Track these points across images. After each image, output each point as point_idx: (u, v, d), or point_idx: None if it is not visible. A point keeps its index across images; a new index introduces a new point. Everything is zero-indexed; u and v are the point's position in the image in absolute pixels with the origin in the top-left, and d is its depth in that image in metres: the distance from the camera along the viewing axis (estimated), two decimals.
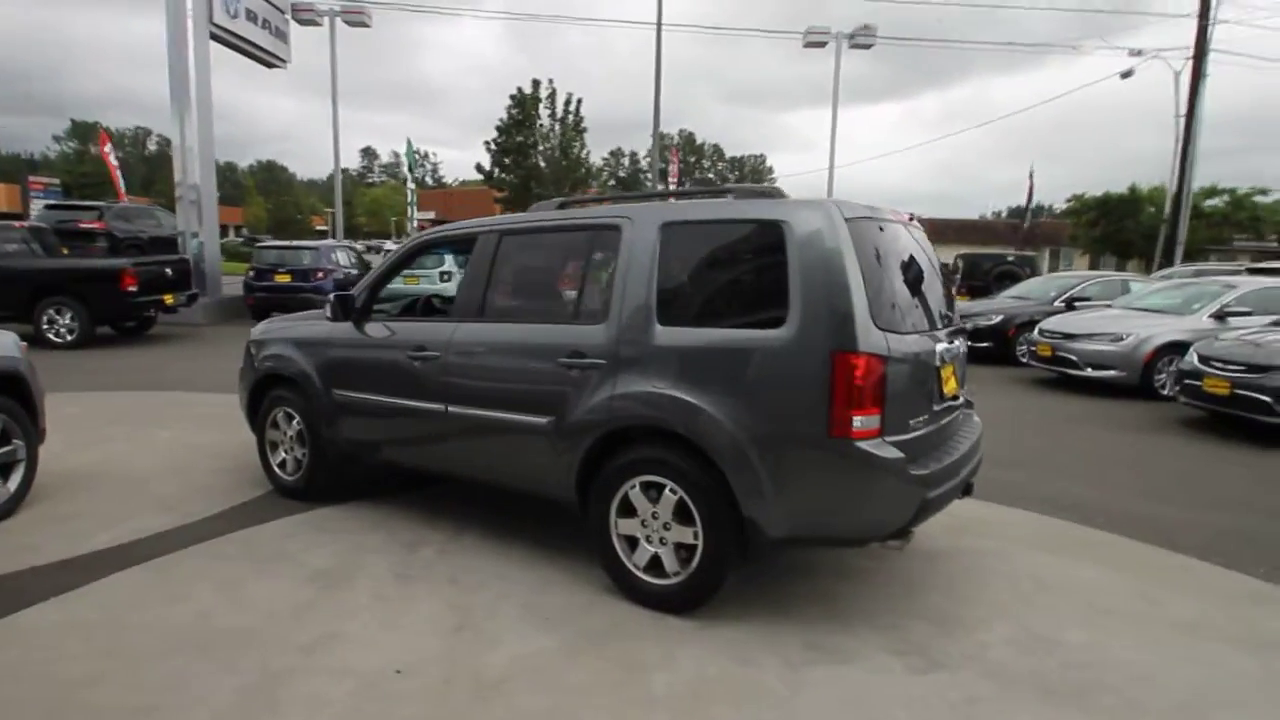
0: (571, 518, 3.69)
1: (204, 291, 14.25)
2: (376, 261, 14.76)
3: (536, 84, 33.44)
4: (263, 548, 4.01)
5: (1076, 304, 11.73)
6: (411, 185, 23.60)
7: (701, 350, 3.17)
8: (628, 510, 3.38)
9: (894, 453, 2.92)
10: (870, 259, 3.06)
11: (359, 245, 21.59)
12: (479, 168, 35.06)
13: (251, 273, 14.75)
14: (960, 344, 3.71)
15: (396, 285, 4.99)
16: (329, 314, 4.45)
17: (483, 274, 3.94)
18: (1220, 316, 9.07)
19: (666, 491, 3.24)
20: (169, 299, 11.89)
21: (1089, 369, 9.24)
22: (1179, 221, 20.31)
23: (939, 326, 3.51)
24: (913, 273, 3.39)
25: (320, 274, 14.60)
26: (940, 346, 3.37)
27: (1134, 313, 9.96)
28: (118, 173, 22.98)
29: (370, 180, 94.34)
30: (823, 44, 23.28)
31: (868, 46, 23.24)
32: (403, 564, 3.82)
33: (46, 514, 4.42)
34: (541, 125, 33.69)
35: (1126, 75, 21.23)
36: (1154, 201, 28.07)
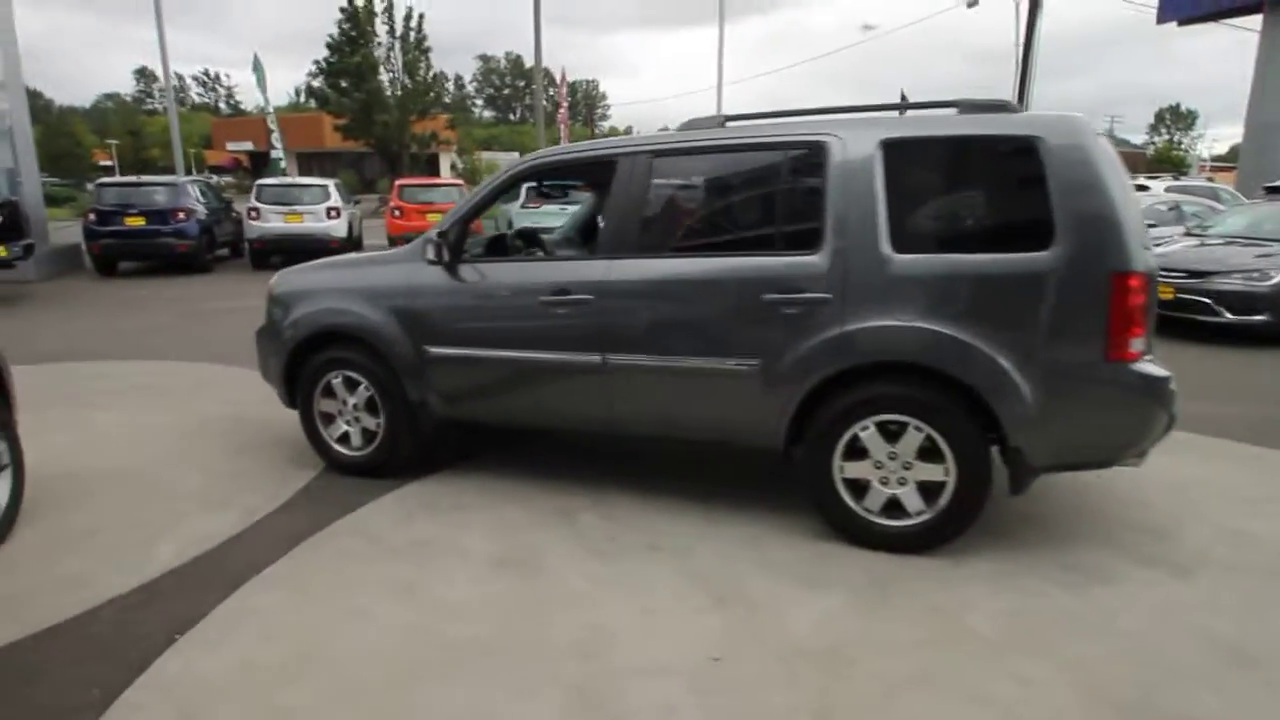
0: (709, 459, 3.41)
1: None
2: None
3: None
4: (390, 538, 3.38)
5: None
6: (271, 110, 20.34)
7: (953, 278, 2.96)
8: (854, 453, 3.17)
9: (1163, 371, 2.92)
10: (1120, 174, 2.97)
11: (216, 179, 18.70)
12: (311, 90, 31.47)
13: (93, 216, 12.29)
14: None
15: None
16: (429, 255, 3.71)
17: (635, 203, 3.43)
18: None
19: (910, 430, 3.05)
20: (1, 251, 9.67)
21: (1227, 313, 7.49)
22: None
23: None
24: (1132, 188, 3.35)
25: (181, 215, 12.48)
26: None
27: (1247, 244, 8.22)
28: None
29: (150, 107, 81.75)
30: None
31: None
32: (578, 536, 3.38)
33: (58, 531, 3.46)
34: (379, 42, 30.61)
35: (973, 4, 22.64)
36: None
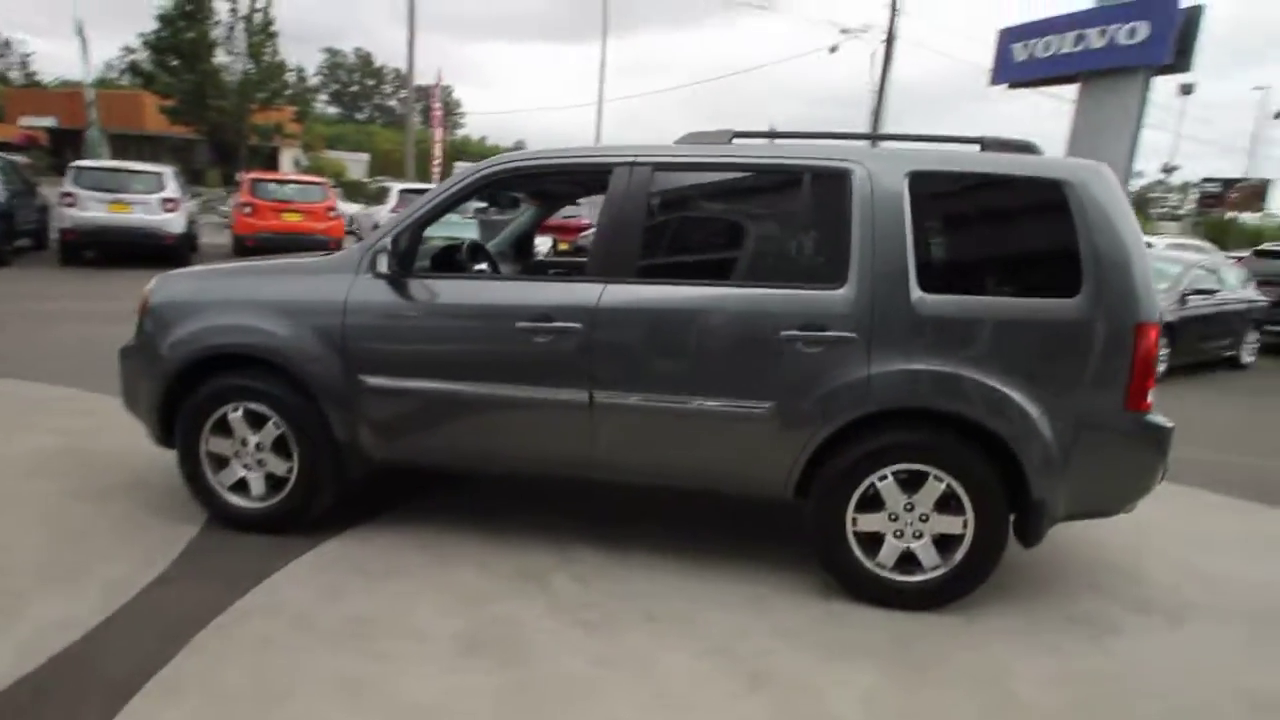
0: (676, 503, 3.10)
1: None
2: None
3: None
4: (320, 617, 2.72)
5: None
6: (89, 82, 17.17)
7: (980, 322, 2.81)
8: (867, 504, 2.93)
9: (1169, 422, 2.91)
10: (1135, 223, 2.96)
11: (19, 159, 15.75)
12: (134, 67, 27.96)
13: None
14: None
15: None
16: (377, 266, 3.07)
17: (634, 220, 3.02)
18: None
19: (930, 480, 2.86)
20: None
21: None
22: None
23: None
24: None
25: None
26: None
27: None
28: None
29: None
30: None
31: None
32: (555, 606, 2.88)
33: None
34: (219, 20, 27.73)
35: (834, 50, 24.11)
36: None
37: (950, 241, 2.97)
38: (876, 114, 23.20)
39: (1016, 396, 2.76)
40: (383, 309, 3.13)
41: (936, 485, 2.86)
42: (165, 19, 26.63)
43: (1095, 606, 3.11)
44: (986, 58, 20.91)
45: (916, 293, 2.81)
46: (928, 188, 2.88)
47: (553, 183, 3.94)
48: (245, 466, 3.33)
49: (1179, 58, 17.43)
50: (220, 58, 28.43)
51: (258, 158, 31.13)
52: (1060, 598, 3.17)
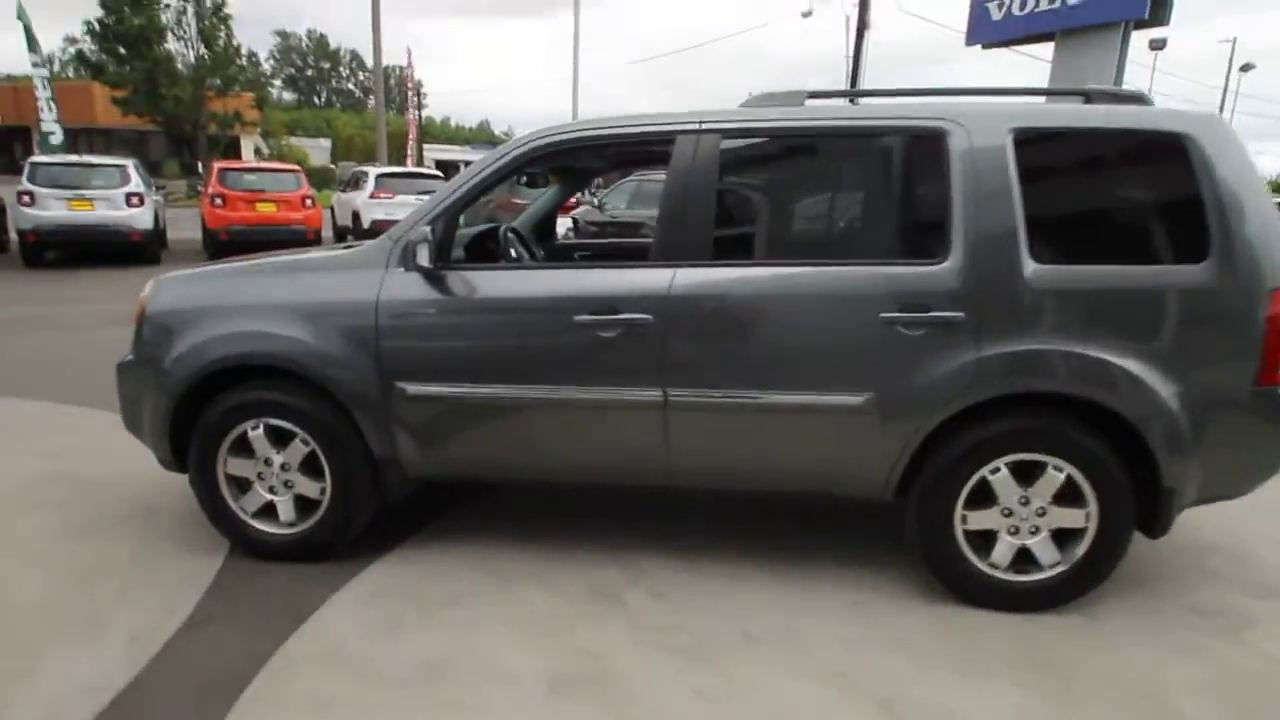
0: (733, 503, 2.82)
1: None
2: None
3: None
4: (381, 661, 2.39)
5: None
6: (44, 72, 15.96)
7: (1102, 294, 2.53)
8: (979, 499, 2.67)
9: None
10: (1261, 181, 2.68)
11: None
12: (81, 57, 26.70)
13: None
14: None
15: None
16: (417, 258, 2.70)
17: (704, 195, 2.68)
18: None
19: (1049, 470, 2.60)
20: None
21: None
22: None
23: None
24: None
25: None
26: None
27: None
28: None
29: None
30: None
31: None
32: (639, 629, 2.58)
33: None
34: (168, 4, 26.50)
35: (807, 15, 23.61)
36: None
37: (1062, 206, 2.67)
38: (853, 80, 22.83)
39: (1142, 374, 2.50)
40: (422, 307, 2.77)
41: (1056, 476, 2.59)
42: (110, 6, 25.36)
43: (1215, 595, 2.88)
44: (959, 19, 20.66)
45: (1028, 264, 2.52)
46: (1035, 146, 2.58)
47: (601, 156, 3.58)
48: (271, 489, 2.97)
49: (1156, 10, 17.33)
50: (171, 44, 27.30)
51: (217, 147, 30.04)
52: (1173, 586, 2.94)
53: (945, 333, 2.55)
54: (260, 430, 2.91)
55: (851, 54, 23.00)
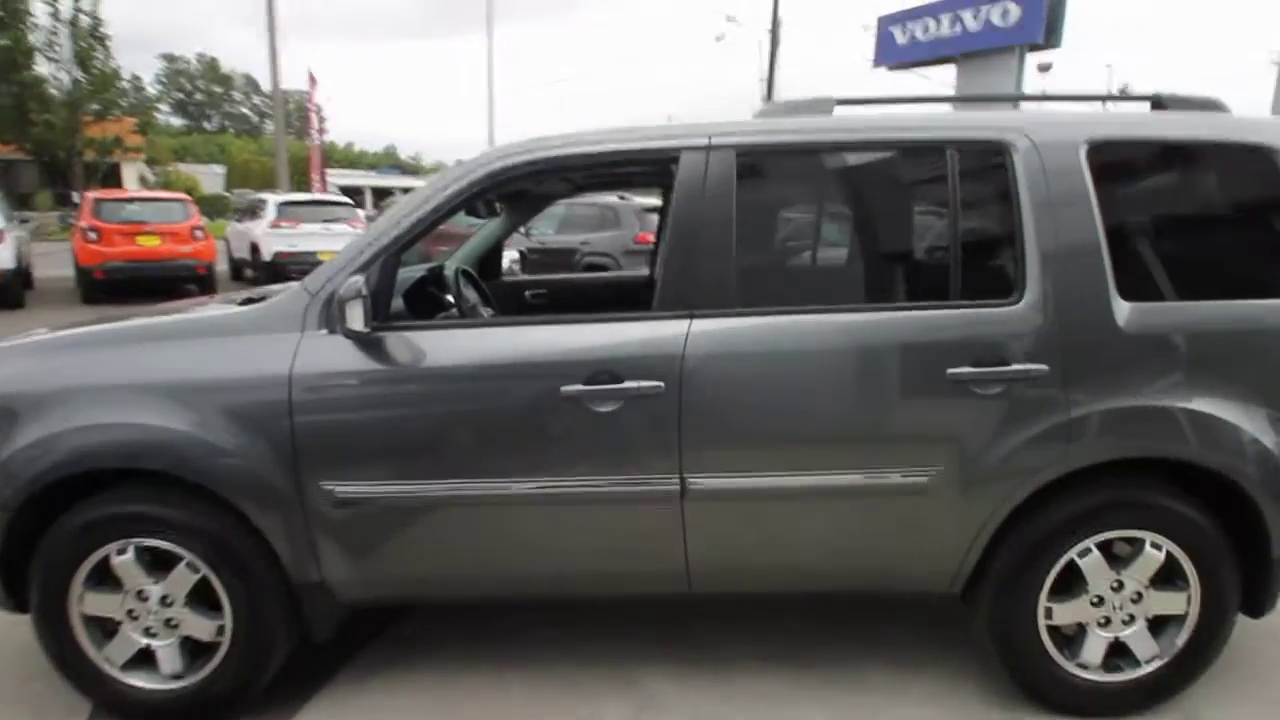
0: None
1: None
2: None
3: None
4: None
5: None
6: None
7: (1204, 336, 2.11)
8: (1065, 588, 2.19)
9: None
10: None
11: None
12: None
13: None
14: None
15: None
16: (331, 319, 2.02)
17: (719, 226, 2.11)
18: None
19: (1147, 548, 2.14)
20: None
21: None
22: None
23: None
24: None
25: None
26: None
27: None
28: None
29: None
30: None
31: None
32: None
33: None
34: (37, 23, 24.30)
35: (720, 39, 23.78)
36: None
37: (1149, 231, 2.24)
38: (769, 98, 23.08)
39: (1256, 431, 2.08)
40: (354, 382, 2.09)
41: (1154, 554, 2.14)
42: None
43: None
44: (865, 44, 21.38)
45: (1117, 302, 2.07)
46: (1114, 161, 2.15)
47: (580, 179, 2.97)
48: (148, 632, 2.20)
49: (1049, 35, 18.29)
50: (43, 67, 25.06)
51: (95, 176, 27.68)
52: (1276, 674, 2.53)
53: (1027, 390, 2.06)
54: (129, 554, 2.15)
55: (766, 77, 23.32)
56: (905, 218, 2.41)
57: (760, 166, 2.24)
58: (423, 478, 2.09)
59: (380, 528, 2.15)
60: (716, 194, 2.12)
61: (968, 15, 18.72)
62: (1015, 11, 17.86)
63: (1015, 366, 2.05)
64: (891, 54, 22.93)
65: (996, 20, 18.11)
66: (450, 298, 2.70)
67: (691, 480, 2.08)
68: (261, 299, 2.38)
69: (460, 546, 2.18)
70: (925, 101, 2.39)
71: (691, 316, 2.08)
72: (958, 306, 2.11)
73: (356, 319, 1.97)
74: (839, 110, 2.26)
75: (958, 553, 2.15)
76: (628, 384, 2.03)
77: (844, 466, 2.09)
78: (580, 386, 2.04)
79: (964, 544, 2.14)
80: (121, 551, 2.15)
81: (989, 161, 2.14)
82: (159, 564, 2.17)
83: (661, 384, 2.04)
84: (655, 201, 10.98)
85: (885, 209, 2.45)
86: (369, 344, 2.07)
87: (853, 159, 2.31)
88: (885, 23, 20.94)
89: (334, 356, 2.09)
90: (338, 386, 2.09)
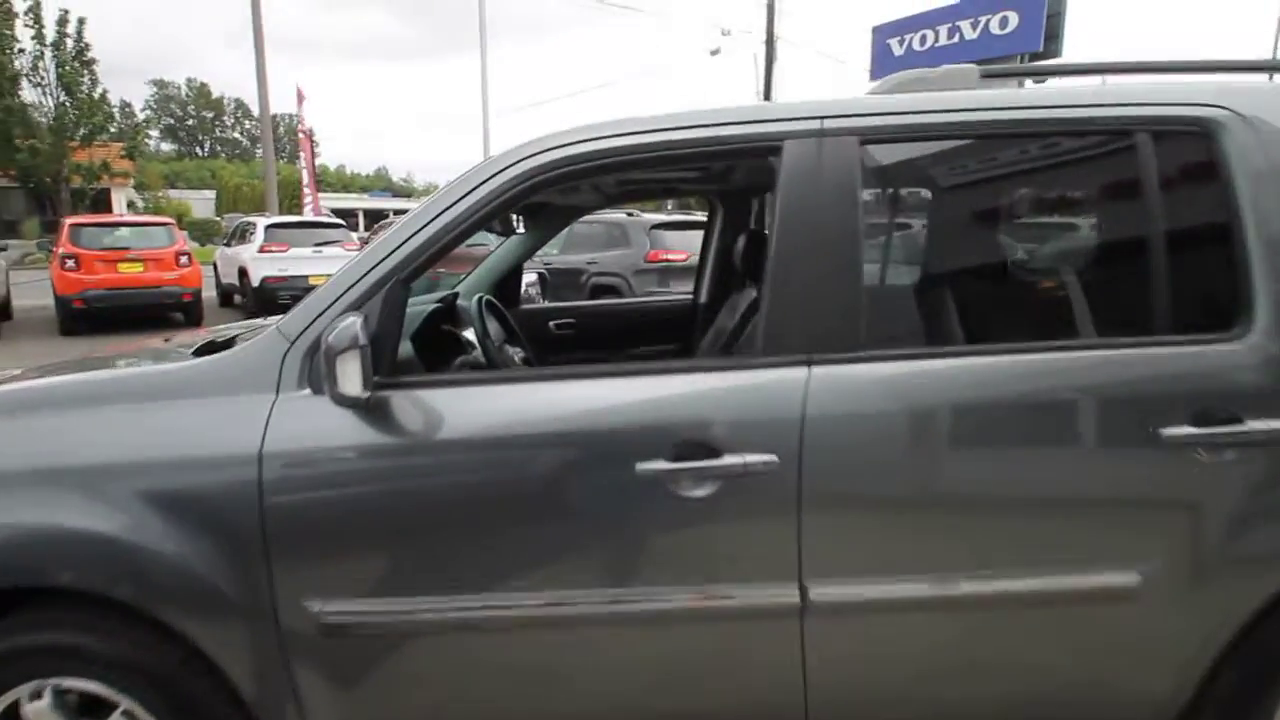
0: None
1: None
2: None
3: None
4: None
5: None
6: None
7: None
8: None
9: None
10: None
11: None
12: None
13: None
14: None
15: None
16: (317, 376, 1.47)
17: (844, 241, 1.56)
18: None
19: None
20: None
21: None
22: None
23: None
24: None
25: None
26: None
27: None
28: None
29: None
30: None
31: None
32: None
33: None
34: (22, 49, 23.92)
35: (715, 53, 23.41)
36: None
37: None
38: None
39: None
40: (348, 463, 1.53)
41: None
42: None
43: None
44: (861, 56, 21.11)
45: None
46: None
47: (644, 178, 2.40)
48: None
49: (1049, 43, 18.09)
50: (28, 92, 24.66)
51: (84, 201, 27.19)
52: None
53: (1263, 456, 1.51)
54: (45, 700, 1.57)
55: (762, 90, 23.00)
56: (1083, 220, 1.86)
57: (892, 158, 1.70)
58: (444, 593, 1.52)
59: (378, 658, 1.57)
60: (835, 195, 1.56)
61: (966, 25, 18.52)
62: (1014, 20, 17.66)
63: (1248, 425, 1.50)
64: (889, 66, 22.76)
65: (995, 29, 17.89)
66: (470, 335, 2.13)
67: (815, 589, 1.51)
68: (226, 343, 1.83)
69: (492, 682, 1.60)
70: (1093, 72, 1.84)
71: (810, 363, 1.53)
72: (1164, 344, 1.56)
73: (352, 379, 1.40)
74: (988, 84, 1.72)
75: (1172, 671, 1.59)
76: (727, 459, 1.47)
77: (1021, 566, 1.53)
78: (663, 464, 1.47)
79: (1180, 662, 1.58)
80: (36, 695, 1.57)
81: (1189, 146, 1.60)
82: (88, 710, 1.60)
83: (775, 457, 1.48)
84: (664, 218, 10.53)
85: (1060, 212, 1.90)
86: (369, 411, 1.51)
87: (1013, 145, 1.76)
88: (880, 35, 20.66)
89: (321, 428, 1.52)
90: (326, 470, 1.52)
